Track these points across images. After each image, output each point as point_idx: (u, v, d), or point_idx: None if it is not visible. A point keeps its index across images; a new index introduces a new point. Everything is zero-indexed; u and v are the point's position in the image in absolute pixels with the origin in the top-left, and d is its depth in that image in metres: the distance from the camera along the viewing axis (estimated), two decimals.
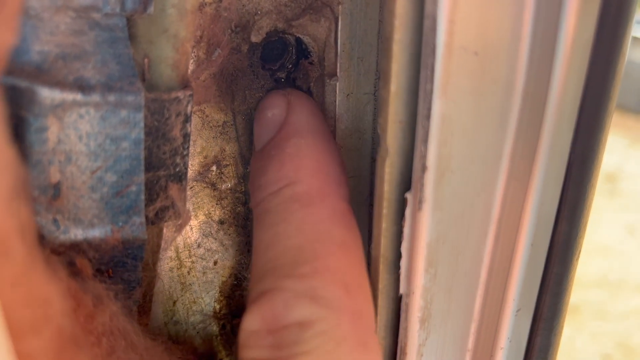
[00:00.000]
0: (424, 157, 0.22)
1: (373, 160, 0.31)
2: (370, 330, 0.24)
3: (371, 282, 0.26)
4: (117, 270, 0.25)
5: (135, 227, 0.24)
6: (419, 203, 0.23)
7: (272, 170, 0.26)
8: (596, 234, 2.28)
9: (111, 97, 0.22)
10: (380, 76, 0.22)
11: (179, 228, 0.27)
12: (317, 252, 0.24)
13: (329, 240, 0.24)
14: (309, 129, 0.27)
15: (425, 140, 0.22)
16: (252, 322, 0.23)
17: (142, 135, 0.23)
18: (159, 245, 0.27)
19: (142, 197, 0.24)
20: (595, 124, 0.24)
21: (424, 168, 0.22)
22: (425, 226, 0.24)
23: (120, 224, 0.24)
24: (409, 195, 0.23)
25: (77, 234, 0.23)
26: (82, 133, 0.22)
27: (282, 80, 0.30)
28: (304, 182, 0.25)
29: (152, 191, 0.25)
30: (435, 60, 0.20)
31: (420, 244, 0.24)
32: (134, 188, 0.24)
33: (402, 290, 0.25)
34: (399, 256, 0.25)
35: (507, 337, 0.28)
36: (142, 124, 0.23)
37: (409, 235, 0.24)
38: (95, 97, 0.22)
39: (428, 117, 0.21)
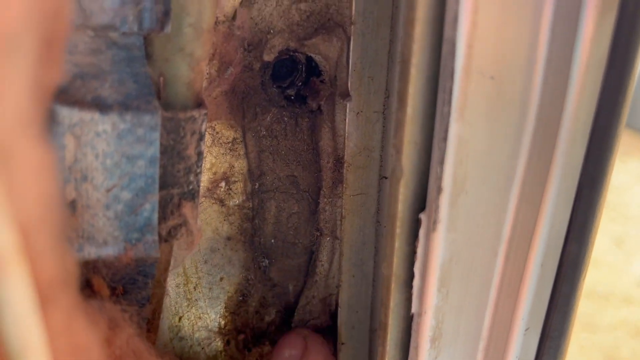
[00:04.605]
0: (439, 178, 0.22)
1: (381, 178, 0.31)
2: None
3: (382, 301, 0.26)
4: (128, 288, 0.25)
5: (148, 245, 0.24)
6: (434, 224, 0.23)
7: None
8: None
9: (128, 116, 0.22)
10: (397, 98, 0.22)
11: (190, 246, 0.27)
12: None
13: None
14: None
15: (442, 162, 0.22)
16: None
17: (158, 154, 0.23)
18: (169, 262, 0.27)
19: (156, 215, 0.24)
20: (606, 145, 0.24)
21: (439, 189, 0.23)
22: (439, 246, 0.24)
23: (134, 241, 0.24)
24: (423, 216, 0.24)
25: (90, 252, 0.23)
26: (98, 151, 0.22)
27: (292, 97, 0.30)
28: None
29: (166, 209, 0.24)
30: (453, 84, 0.21)
31: (434, 264, 0.24)
32: (148, 206, 0.24)
33: (414, 309, 0.25)
34: (411, 276, 0.25)
35: (515, 356, 0.28)
36: (158, 143, 0.23)
37: (423, 255, 0.24)
38: (113, 116, 0.22)
39: (445, 139, 0.22)
